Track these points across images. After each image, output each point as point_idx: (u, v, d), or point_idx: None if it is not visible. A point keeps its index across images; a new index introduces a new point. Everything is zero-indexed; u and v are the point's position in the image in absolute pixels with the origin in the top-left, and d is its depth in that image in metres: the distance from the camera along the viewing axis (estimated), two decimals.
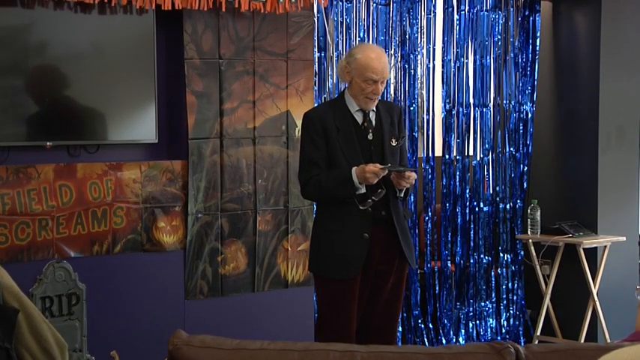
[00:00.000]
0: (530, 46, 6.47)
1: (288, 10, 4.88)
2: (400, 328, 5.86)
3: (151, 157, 4.82)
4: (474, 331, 6.33)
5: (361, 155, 4.07)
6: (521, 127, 6.49)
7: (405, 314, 5.98)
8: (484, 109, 6.35)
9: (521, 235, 6.39)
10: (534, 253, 6.22)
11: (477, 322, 6.36)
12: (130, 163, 4.67)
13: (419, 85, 6.03)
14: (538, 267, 6.26)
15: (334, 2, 5.57)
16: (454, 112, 6.22)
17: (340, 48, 5.63)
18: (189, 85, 4.79)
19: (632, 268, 6.35)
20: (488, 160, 6.39)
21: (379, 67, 4.05)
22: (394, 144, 4.16)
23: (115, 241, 4.61)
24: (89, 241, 4.54)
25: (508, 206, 6.46)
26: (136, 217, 4.66)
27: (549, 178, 6.50)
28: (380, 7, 5.81)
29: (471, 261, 6.32)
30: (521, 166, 6.51)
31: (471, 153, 6.33)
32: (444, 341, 6.14)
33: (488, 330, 6.41)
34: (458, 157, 6.25)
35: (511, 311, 6.49)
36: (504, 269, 6.46)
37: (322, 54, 5.55)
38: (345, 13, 5.65)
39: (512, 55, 6.42)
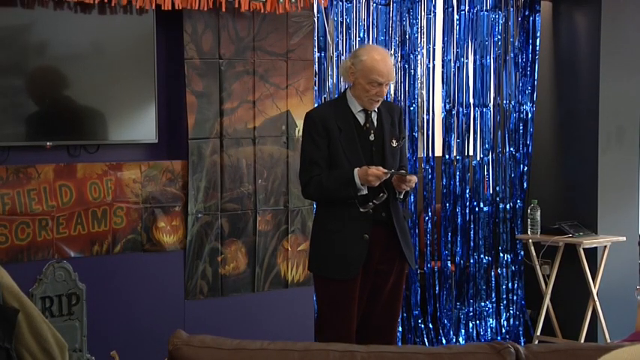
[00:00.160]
0: (530, 46, 6.47)
1: (288, 10, 4.88)
2: (400, 328, 5.86)
3: (151, 157, 4.83)
4: (474, 331, 6.33)
5: (362, 156, 4.07)
6: (521, 127, 6.50)
7: (405, 314, 5.98)
8: (484, 109, 6.35)
9: (521, 235, 6.39)
10: (534, 253, 6.22)
11: (477, 322, 6.36)
12: (130, 163, 4.67)
13: (419, 85, 6.03)
14: (538, 267, 6.26)
15: (334, 2, 5.57)
16: (454, 112, 6.22)
17: (340, 48, 5.63)
18: (189, 85, 4.79)
19: (632, 268, 6.34)
20: (488, 160, 6.39)
21: (385, 69, 4.04)
22: (395, 145, 4.16)
23: (115, 241, 4.61)
24: (89, 241, 4.54)
25: (508, 206, 6.46)
26: (136, 217, 4.66)
27: (549, 178, 6.50)
28: (380, 7, 5.81)
29: (471, 261, 6.32)
30: (521, 166, 6.51)
31: (470, 153, 6.33)
32: (444, 341, 6.14)
33: (488, 330, 6.41)
34: (458, 157, 6.25)
35: (511, 311, 6.49)
36: (504, 269, 6.46)
37: (322, 54, 5.55)
38: (345, 13, 5.65)
39: (512, 55, 6.42)
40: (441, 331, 6.18)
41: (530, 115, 6.51)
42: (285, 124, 5.09)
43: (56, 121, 4.51)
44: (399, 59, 5.93)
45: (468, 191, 6.30)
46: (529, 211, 6.23)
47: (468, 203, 6.30)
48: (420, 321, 6.08)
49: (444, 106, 6.21)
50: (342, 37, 5.64)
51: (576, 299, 6.16)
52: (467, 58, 6.22)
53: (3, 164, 4.34)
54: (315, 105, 5.25)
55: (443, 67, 6.17)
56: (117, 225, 4.61)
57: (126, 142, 4.73)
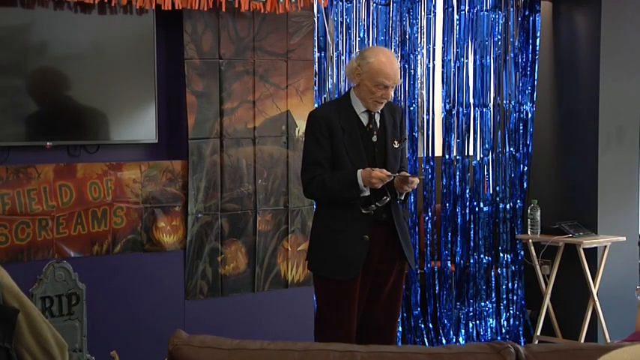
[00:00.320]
0: (530, 46, 6.47)
1: (288, 10, 4.88)
2: (400, 328, 5.86)
3: (151, 157, 4.82)
4: (474, 331, 6.33)
5: (365, 157, 4.07)
6: (521, 127, 6.50)
7: (405, 314, 5.98)
8: (484, 109, 6.35)
9: (521, 235, 6.39)
10: (534, 253, 6.22)
11: (477, 322, 6.36)
12: (130, 163, 4.67)
13: (419, 85, 6.03)
14: (538, 267, 6.26)
15: (334, 2, 5.57)
16: (454, 112, 6.22)
17: (340, 48, 5.63)
18: (189, 85, 4.79)
19: (632, 268, 6.35)
20: (488, 160, 6.39)
21: (392, 72, 4.04)
22: (396, 146, 4.16)
23: (115, 241, 4.61)
24: (89, 241, 4.54)
25: (508, 206, 6.47)
26: (136, 217, 4.66)
27: (549, 178, 6.50)
28: (380, 7, 5.81)
29: (471, 261, 6.32)
30: (521, 166, 6.51)
31: (471, 153, 6.34)
32: (444, 341, 6.14)
33: (488, 330, 6.41)
34: (458, 157, 6.25)
35: (511, 311, 6.49)
36: (504, 269, 6.46)
37: (322, 54, 5.55)
38: (345, 13, 5.65)
39: (512, 55, 6.42)
40: (441, 331, 6.18)
41: (530, 115, 6.51)
42: (285, 124, 5.09)
43: (56, 121, 4.51)
44: (399, 59, 5.93)
45: (468, 191, 6.30)
46: (529, 211, 6.23)
47: (468, 203, 6.30)
48: (420, 321, 6.08)
49: (444, 106, 6.21)
50: (342, 37, 5.64)
51: (576, 299, 6.16)
52: (467, 58, 6.23)
53: (3, 164, 4.34)
54: (316, 105, 5.25)
55: (443, 67, 6.17)
56: (117, 225, 4.61)
57: (126, 142, 4.73)
